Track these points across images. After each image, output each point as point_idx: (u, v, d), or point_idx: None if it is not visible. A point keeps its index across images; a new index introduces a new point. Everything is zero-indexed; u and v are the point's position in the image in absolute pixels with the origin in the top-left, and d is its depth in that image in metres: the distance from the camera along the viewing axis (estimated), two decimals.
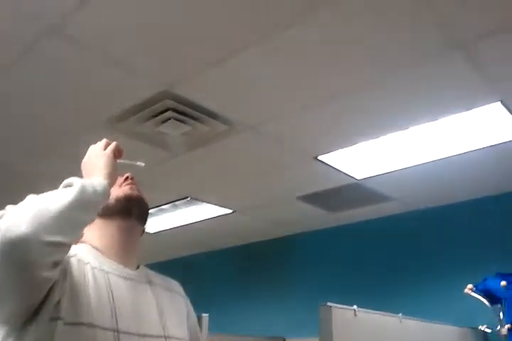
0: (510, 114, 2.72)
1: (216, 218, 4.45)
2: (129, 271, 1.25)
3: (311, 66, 2.31)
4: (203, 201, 4.06)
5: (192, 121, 2.75)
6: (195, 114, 2.68)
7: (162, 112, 2.67)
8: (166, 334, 1.21)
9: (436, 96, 2.57)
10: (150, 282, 1.30)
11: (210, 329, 2.70)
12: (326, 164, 3.38)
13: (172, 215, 4.37)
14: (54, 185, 1.08)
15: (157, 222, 4.54)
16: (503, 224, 3.80)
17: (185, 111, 2.66)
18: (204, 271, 5.62)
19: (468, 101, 2.60)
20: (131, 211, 1.29)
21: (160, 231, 4.78)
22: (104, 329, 1.09)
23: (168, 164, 3.34)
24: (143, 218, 1.33)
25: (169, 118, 2.71)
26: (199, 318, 2.63)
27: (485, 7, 1.94)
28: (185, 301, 1.41)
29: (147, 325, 1.19)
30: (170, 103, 2.59)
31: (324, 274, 4.62)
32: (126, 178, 1.34)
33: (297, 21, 2.01)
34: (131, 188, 1.31)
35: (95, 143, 1.33)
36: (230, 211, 4.28)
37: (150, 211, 4.13)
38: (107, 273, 1.19)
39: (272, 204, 4.18)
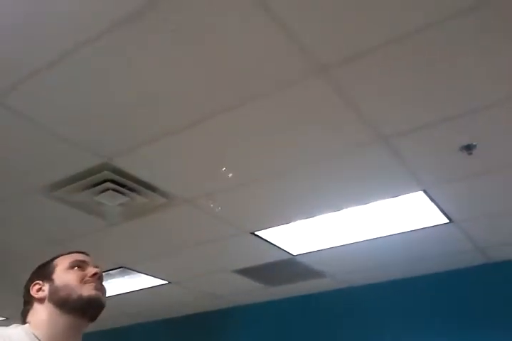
0: (432, 202, 2.91)
1: (151, 289, 4.34)
2: None
3: (246, 146, 2.42)
4: (138, 271, 3.98)
5: (130, 193, 2.76)
6: (134, 185, 2.70)
7: (100, 183, 2.67)
8: None
9: (363, 183, 2.73)
10: None
11: None
12: (263, 239, 3.43)
13: (105, 284, 4.23)
14: None
15: None
16: (427, 304, 3.92)
17: (124, 182, 2.68)
18: None
19: (393, 189, 2.78)
20: (88, 313, 1.31)
21: None
22: None
23: (104, 233, 3.29)
24: (96, 318, 1.35)
25: (107, 189, 2.72)
26: None
27: (406, 105, 2.14)
28: None
29: None
30: (109, 174, 2.61)
31: None
32: (94, 274, 1.35)
33: (231, 106, 2.14)
34: (95, 288, 1.32)
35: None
36: (165, 282, 4.20)
37: None
38: None
39: (207, 276, 4.13)
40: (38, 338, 1.26)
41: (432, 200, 2.88)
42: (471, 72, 1.95)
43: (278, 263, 3.83)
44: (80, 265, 1.38)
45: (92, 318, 1.34)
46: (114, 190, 2.72)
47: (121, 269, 3.90)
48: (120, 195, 2.77)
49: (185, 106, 2.14)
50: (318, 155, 2.49)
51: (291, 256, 3.71)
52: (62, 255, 1.43)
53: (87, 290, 1.31)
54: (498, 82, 2.01)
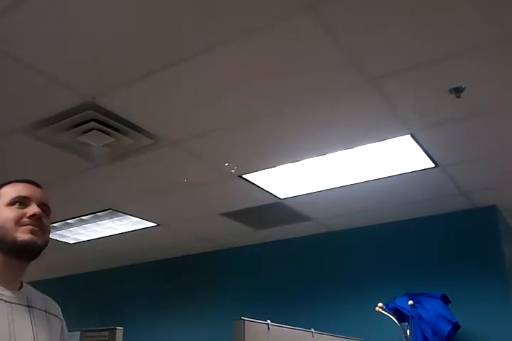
0: (419, 147, 2.91)
1: (139, 231, 4.41)
2: (8, 294, 1.25)
3: (232, 87, 2.38)
4: (126, 213, 4.02)
5: (115, 133, 2.73)
6: (118, 126, 2.67)
7: (84, 122, 2.64)
8: None
9: (350, 127, 2.72)
10: (29, 304, 1.31)
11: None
12: (251, 182, 3.46)
13: (93, 226, 4.28)
14: None
15: (77, 233, 4.43)
16: (411, 248, 4.02)
17: (108, 122, 2.65)
18: (125, 284, 5.51)
19: (380, 133, 2.77)
20: (24, 256, 1.28)
21: (80, 242, 4.67)
22: None
23: (90, 174, 3.29)
24: (33, 259, 1.31)
25: (92, 129, 2.69)
26: (113, 331, 2.61)
27: (395, 45, 2.09)
28: (61, 323, 1.42)
29: None
30: (93, 114, 2.57)
31: (244, 290, 4.67)
32: (32, 216, 1.27)
33: (218, 43, 2.08)
34: (30, 232, 1.26)
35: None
36: (154, 224, 4.26)
37: (70, 221, 4.03)
38: None
39: (195, 219, 4.19)
40: None
41: (419, 144, 2.88)
42: (461, 11, 1.89)
43: (265, 206, 3.88)
44: (21, 201, 1.29)
45: (30, 260, 1.30)
46: (98, 129, 2.70)
47: (109, 211, 3.93)
48: (105, 135, 2.74)
49: (171, 44, 2.08)
50: (304, 97, 2.46)
51: (278, 200, 3.75)
52: (10, 183, 1.35)
53: (21, 234, 1.25)
54: (487, 24, 1.96)
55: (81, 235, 4.49)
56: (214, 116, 2.64)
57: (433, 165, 3.14)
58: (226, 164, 3.04)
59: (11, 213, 1.28)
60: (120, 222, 4.20)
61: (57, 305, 1.45)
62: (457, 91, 2.36)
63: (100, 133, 2.72)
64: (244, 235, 4.59)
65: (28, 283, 1.36)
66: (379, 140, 2.84)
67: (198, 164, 3.18)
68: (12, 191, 1.32)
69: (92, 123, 2.64)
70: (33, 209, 1.29)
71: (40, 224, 1.29)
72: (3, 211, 1.29)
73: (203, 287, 4.96)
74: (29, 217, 1.27)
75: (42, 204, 1.33)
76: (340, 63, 2.20)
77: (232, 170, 3.10)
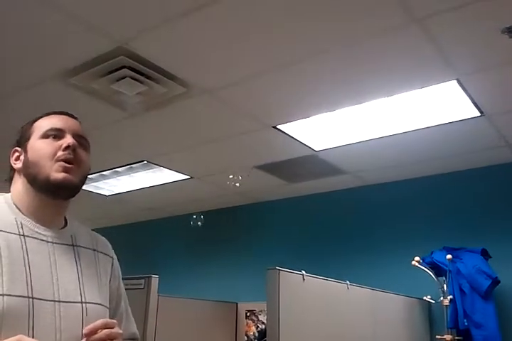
0: (464, 93, 2.75)
1: (173, 183, 4.42)
2: (50, 233, 1.20)
3: (270, 31, 2.26)
4: (160, 165, 4.02)
5: (148, 81, 2.67)
6: (151, 73, 2.60)
7: (117, 70, 2.58)
8: (83, 300, 1.18)
9: (392, 72, 2.57)
10: (74, 243, 1.26)
11: (160, 290, 2.73)
12: (285, 133, 3.38)
13: (128, 178, 4.31)
14: None
15: (112, 185, 4.48)
16: (450, 202, 3.92)
17: (141, 70, 2.58)
18: (160, 236, 5.62)
19: (424, 78, 2.61)
20: (58, 194, 1.21)
21: (116, 194, 4.73)
22: (17, 296, 1.06)
23: (124, 124, 3.26)
24: (71, 197, 1.25)
25: (124, 77, 2.63)
26: (149, 278, 2.65)
27: None
28: (111, 261, 1.37)
29: (64, 290, 1.15)
30: (125, 60, 2.50)
31: (278, 242, 4.69)
32: (67, 148, 1.20)
33: None
34: (65, 169, 1.19)
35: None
36: (187, 177, 4.26)
37: (105, 173, 4.07)
38: (24, 236, 1.15)
39: (229, 172, 4.17)
40: (18, 208, 1.20)
41: (465, 91, 2.72)
42: None
43: (300, 159, 3.81)
44: (55, 134, 1.23)
45: (67, 198, 1.24)
46: (131, 77, 2.64)
47: (143, 163, 3.93)
48: (138, 83, 2.68)
49: None
50: (342, 40, 2.31)
51: (313, 152, 3.67)
52: (43, 116, 1.28)
53: (55, 173, 1.19)
54: None
55: (116, 187, 4.54)
56: (247, 63, 2.54)
57: (478, 114, 2.98)
58: (231, 176, 2.93)
59: (44, 147, 1.21)
60: (154, 175, 4.21)
61: (107, 242, 1.40)
62: (510, 31, 2.19)
63: (133, 81, 2.66)
64: (278, 189, 4.55)
65: None
66: (422, 86, 2.68)
67: (231, 114, 3.10)
68: (46, 124, 1.26)
69: (125, 71, 2.58)
70: (66, 140, 1.22)
71: (76, 156, 1.22)
72: (36, 144, 1.23)
73: (237, 240, 5.00)
74: (64, 150, 1.21)
75: (78, 136, 1.26)
76: (383, 1, 2.04)
77: (237, 184, 3.00)
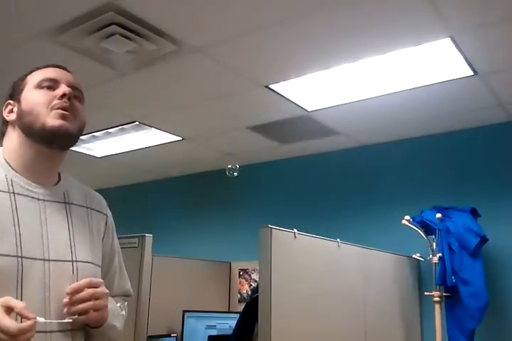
0: (458, 52, 2.72)
1: (165, 145, 4.40)
2: (42, 190, 1.19)
3: None
4: (151, 126, 3.98)
5: (138, 38, 2.61)
6: (140, 30, 2.54)
7: (106, 26, 2.51)
8: (74, 259, 1.18)
9: (385, 28, 2.51)
10: (66, 200, 1.25)
11: (155, 250, 2.76)
12: (277, 93, 3.34)
13: (120, 139, 4.28)
14: None
15: (104, 146, 4.46)
16: (441, 162, 3.95)
17: (131, 26, 2.51)
18: (155, 198, 5.65)
19: (418, 35, 2.56)
20: (54, 142, 1.20)
21: (107, 156, 4.71)
22: (6, 255, 1.06)
23: (114, 84, 3.20)
24: (67, 147, 1.24)
25: (113, 34, 2.56)
26: (142, 237, 2.68)
27: None
28: (105, 218, 1.36)
29: (54, 249, 1.15)
30: (114, 17, 2.43)
31: (271, 203, 4.73)
32: (62, 96, 1.19)
33: None
34: (61, 117, 1.17)
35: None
36: (179, 138, 4.24)
37: (96, 134, 4.05)
38: (15, 194, 1.14)
39: (221, 133, 4.15)
40: (9, 164, 1.18)
41: (459, 49, 2.68)
42: None
43: (292, 119, 3.78)
44: (49, 85, 1.22)
45: (63, 148, 1.23)
46: (120, 34, 2.57)
47: (135, 124, 3.90)
48: (127, 40, 2.62)
49: None
50: None
51: (305, 112, 3.64)
52: (37, 69, 1.27)
53: (51, 120, 1.17)
54: None
55: (108, 148, 4.52)
56: (238, 20, 2.48)
57: (472, 73, 2.95)
58: (229, 166, 2.83)
59: (39, 96, 1.20)
60: (146, 136, 4.19)
61: (102, 199, 1.39)
62: None
63: (122, 38, 2.60)
64: (271, 150, 4.55)
65: None
66: (416, 44, 2.64)
67: (222, 73, 3.05)
68: (39, 75, 1.24)
69: (114, 27, 2.52)
70: (62, 89, 1.21)
71: (72, 106, 1.21)
72: (30, 93, 1.21)
73: (230, 201, 5.04)
74: (59, 98, 1.19)
75: (73, 88, 1.24)
76: None
77: (235, 173, 2.92)
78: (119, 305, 1.32)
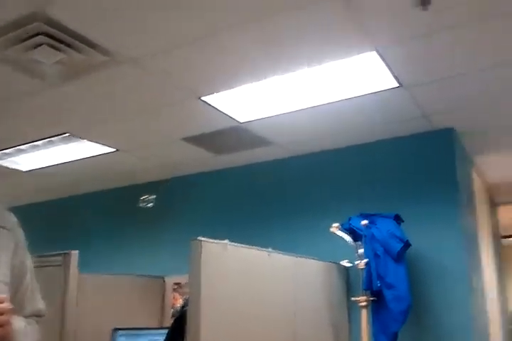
0: (384, 65, 2.87)
1: (98, 157, 4.33)
2: None
3: (192, 1, 2.26)
4: (83, 138, 3.92)
5: (66, 49, 2.59)
6: (70, 40, 2.52)
7: (33, 36, 2.48)
8: None
9: (312, 43, 2.63)
10: None
11: (84, 269, 2.68)
12: (211, 105, 3.40)
13: (48, 152, 4.17)
14: None
15: (31, 160, 4.31)
16: (367, 171, 4.13)
17: (59, 36, 2.49)
18: (83, 212, 5.52)
19: (345, 49, 2.69)
20: None
21: (34, 170, 4.57)
22: None
23: (43, 95, 3.15)
24: None
25: (41, 44, 2.53)
26: (67, 255, 2.60)
27: None
28: (14, 235, 1.35)
29: None
30: (42, 26, 2.41)
31: (206, 214, 4.75)
32: None
33: None
34: None
35: None
36: (113, 150, 4.19)
37: (22, 147, 3.93)
38: None
39: (155, 144, 4.14)
40: None
41: (384, 62, 2.83)
42: None
43: (226, 130, 3.85)
44: None
45: None
46: (48, 44, 2.55)
47: (66, 135, 3.82)
48: (56, 51, 2.60)
49: None
50: (265, 9, 2.34)
51: (238, 124, 3.72)
52: None
53: None
54: None
55: (35, 162, 4.38)
56: (171, 32, 2.52)
57: (397, 84, 3.13)
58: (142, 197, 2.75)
59: None
60: (77, 148, 4.11)
61: (12, 216, 1.37)
62: (424, 3, 2.28)
63: (50, 48, 2.58)
64: (206, 161, 4.59)
65: None
66: (343, 57, 2.77)
67: (156, 84, 3.08)
68: None
69: (41, 37, 2.49)
70: None
71: None
72: None
73: (163, 214, 5.01)
74: None
75: None
76: None
77: (150, 205, 2.85)
78: (25, 325, 1.30)
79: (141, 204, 4.45)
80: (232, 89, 3.15)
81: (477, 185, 5.10)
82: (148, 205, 4.42)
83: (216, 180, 4.83)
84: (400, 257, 3.39)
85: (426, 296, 3.65)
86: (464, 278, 3.59)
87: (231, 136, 3.95)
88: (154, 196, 4.46)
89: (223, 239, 2.44)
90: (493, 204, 6.75)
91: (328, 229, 3.48)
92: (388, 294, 3.30)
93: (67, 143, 4.01)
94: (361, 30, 2.53)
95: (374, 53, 2.75)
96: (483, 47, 2.73)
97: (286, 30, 2.52)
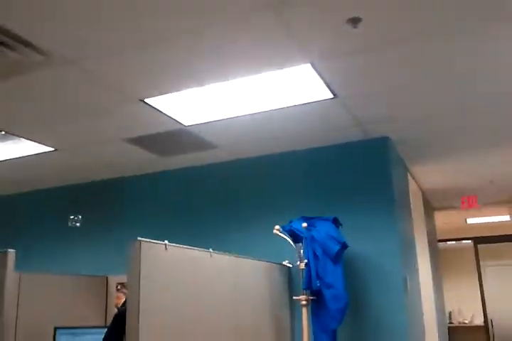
0: (318, 77, 2.96)
1: (36, 156, 4.23)
2: None
3: (134, 6, 2.25)
4: (21, 137, 3.82)
5: (0, 48, 2.53)
6: (4, 39, 2.46)
7: None
8: None
9: (249, 54, 2.68)
10: None
11: (26, 269, 2.61)
12: (153, 107, 3.38)
13: None
14: None
15: None
16: (308, 175, 4.24)
17: None
18: (24, 211, 5.37)
19: (281, 60, 2.75)
20: None
21: None
22: None
23: None
24: None
25: None
26: (3, 254, 2.53)
27: None
28: None
29: None
30: None
31: (150, 214, 4.74)
32: None
33: None
34: None
35: None
36: (51, 149, 4.10)
37: None
38: None
39: (96, 144, 4.08)
40: None
41: (319, 74, 2.92)
42: None
43: (170, 132, 3.85)
44: None
45: None
46: None
47: (2, 133, 3.71)
48: None
49: None
50: (207, 19, 2.37)
51: (182, 127, 3.72)
52: None
53: None
54: None
55: None
56: (113, 35, 2.49)
57: (332, 96, 3.23)
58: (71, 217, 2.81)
59: None
60: (15, 146, 4.00)
61: None
62: (354, 21, 2.37)
63: None
64: (149, 162, 4.57)
65: None
66: (280, 68, 2.84)
67: (96, 85, 3.03)
68: None
69: None
70: None
71: None
72: None
73: (106, 214, 4.95)
74: None
75: None
76: None
77: (78, 224, 2.90)
78: None
79: (69, 224, 4.44)
80: (177, 93, 3.15)
81: (413, 191, 5.32)
82: (77, 224, 4.42)
83: (162, 181, 4.82)
84: (337, 258, 3.50)
85: (363, 296, 3.79)
86: (399, 279, 3.74)
87: (176, 138, 3.95)
88: (80, 216, 4.47)
89: (169, 240, 2.45)
90: (430, 210, 7.04)
91: (272, 231, 3.56)
92: (327, 293, 3.41)
93: (3, 141, 3.89)
94: (295, 44, 2.60)
95: (309, 66, 2.83)
96: (415, 62, 2.85)
97: (223, 41, 2.55)
